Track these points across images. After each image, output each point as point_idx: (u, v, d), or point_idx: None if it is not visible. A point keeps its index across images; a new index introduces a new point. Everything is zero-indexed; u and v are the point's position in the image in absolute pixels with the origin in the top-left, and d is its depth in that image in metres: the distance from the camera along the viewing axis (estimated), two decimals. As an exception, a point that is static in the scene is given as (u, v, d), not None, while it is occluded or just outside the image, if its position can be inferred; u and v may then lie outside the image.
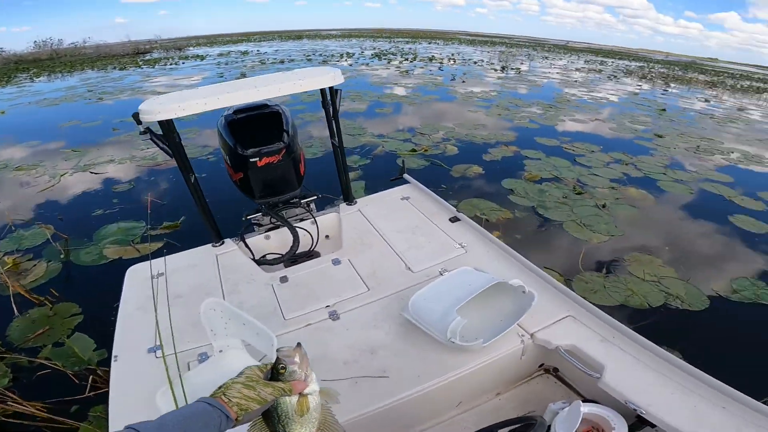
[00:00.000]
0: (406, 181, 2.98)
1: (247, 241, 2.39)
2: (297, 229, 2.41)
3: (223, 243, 2.35)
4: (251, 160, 2.27)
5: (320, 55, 22.66)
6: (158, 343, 1.60)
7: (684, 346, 2.78)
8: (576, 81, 16.87)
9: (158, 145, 2.10)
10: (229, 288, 2.03)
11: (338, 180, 2.74)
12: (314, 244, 2.50)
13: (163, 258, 2.22)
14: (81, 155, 6.79)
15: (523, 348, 1.64)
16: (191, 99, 1.94)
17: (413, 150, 6.46)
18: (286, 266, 2.25)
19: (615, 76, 20.35)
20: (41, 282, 3.53)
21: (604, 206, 4.77)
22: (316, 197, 2.72)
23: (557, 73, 19.94)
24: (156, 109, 1.87)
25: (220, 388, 0.69)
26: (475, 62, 22.02)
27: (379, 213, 2.58)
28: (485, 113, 9.29)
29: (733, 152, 7.59)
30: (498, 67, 19.94)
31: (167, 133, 2.04)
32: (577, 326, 1.69)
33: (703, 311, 3.22)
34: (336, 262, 2.17)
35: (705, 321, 3.15)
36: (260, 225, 2.61)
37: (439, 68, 17.96)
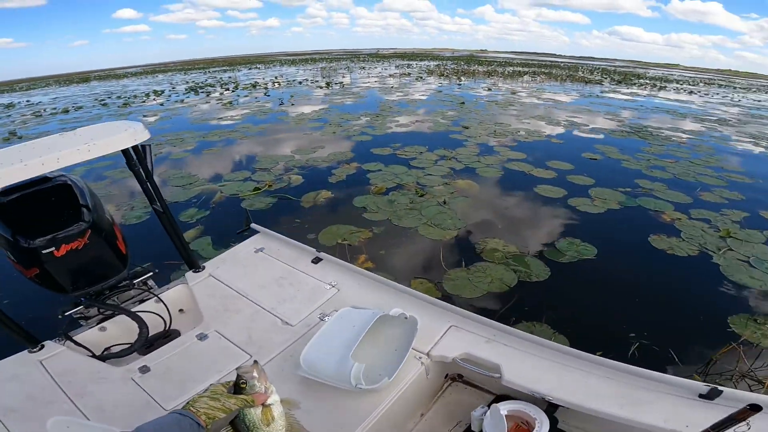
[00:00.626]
0: (255, 231, 2.77)
1: (76, 338, 1.97)
2: (139, 313, 2.05)
3: (42, 347, 1.88)
4: (44, 251, 1.82)
5: (119, 97, 19.51)
6: None
7: (547, 316, 3.22)
8: (393, 87, 18.75)
9: None
10: (76, 392, 1.65)
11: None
12: (168, 323, 2.15)
13: None
14: None
15: (425, 368, 1.68)
16: None
17: (256, 188, 6.05)
18: (141, 354, 1.92)
19: (421, 77, 23.43)
20: None
21: (444, 203, 5.33)
22: (151, 273, 2.31)
23: (376, 81, 21.82)
24: None
25: (188, 402, 0.78)
26: (300, 82, 22.32)
27: (235, 273, 2.35)
28: (321, 134, 9.42)
29: (519, 131, 9.53)
30: (323, 84, 20.66)
31: None
32: (461, 334, 1.79)
33: (549, 279, 3.80)
34: (202, 336, 1.91)
35: (553, 288, 3.68)
36: (87, 318, 2.15)
37: (265, 94, 17.56)
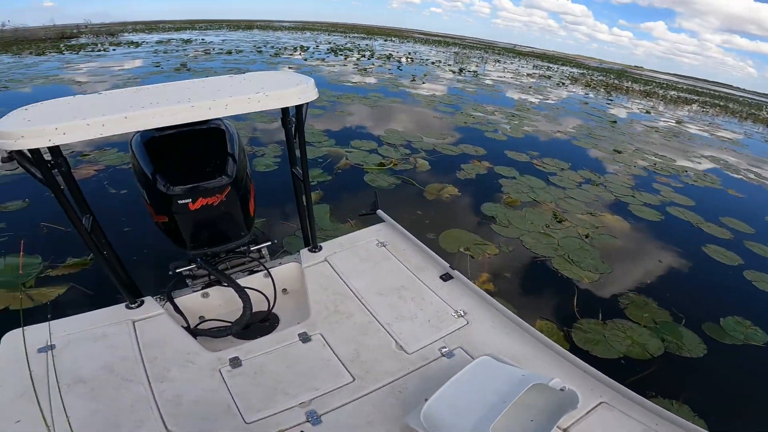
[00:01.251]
0: (380, 219, 2.49)
1: (177, 300, 1.85)
2: (247, 289, 1.89)
3: (142, 303, 1.77)
4: (180, 201, 1.69)
5: (272, 47, 21.24)
6: None
7: (689, 396, 2.68)
8: (530, 87, 17.24)
9: (35, 176, 1.42)
10: (157, 373, 1.48)
11: (297, 211, 2.27)
12: (271, 305, 1.97)
13: (46, 323, 1.58)
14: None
15: None
16: (81, 117, 1.30)
17: (381, 164, 5.89)
18: (235, 336, 1.79)
19: (562, 83, 21.20)
20: None
21: (587, 237, 4.54)
22: (269, 243, 2.17)
23: (511, 77, 20.34)
24: (18, 132, 1.22)
25: None
26: (433, 62, 21.87)
27: (353, 265, 2.10)
28: (452, 120, 8.95)
29: (686, 171, 7.88)
30: (455, 69, 19.93)
31: (42, 164, 1.39)
32: (614, 415, 1.42)
33: (704, 357, 3.08)
34: (305, 338, 1.69)
35: (705, 368, 3.02)
36: (194, 277, 2.03)
37: (398, 68, 17.51)
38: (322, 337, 1.70)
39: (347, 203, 4.64)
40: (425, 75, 16.01)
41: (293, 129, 1.91)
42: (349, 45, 26.78)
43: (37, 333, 1.54)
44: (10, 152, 1.29)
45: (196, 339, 1.69)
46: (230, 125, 1.98)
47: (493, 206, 4.97)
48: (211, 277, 1.97)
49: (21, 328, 1.45)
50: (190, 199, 1.69)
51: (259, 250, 2.14)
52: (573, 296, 3.55)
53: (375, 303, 1.86)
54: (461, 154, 6.73)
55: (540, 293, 3.60)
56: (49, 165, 1.41)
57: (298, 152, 1.98)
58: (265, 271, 2.01)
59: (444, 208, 4.84)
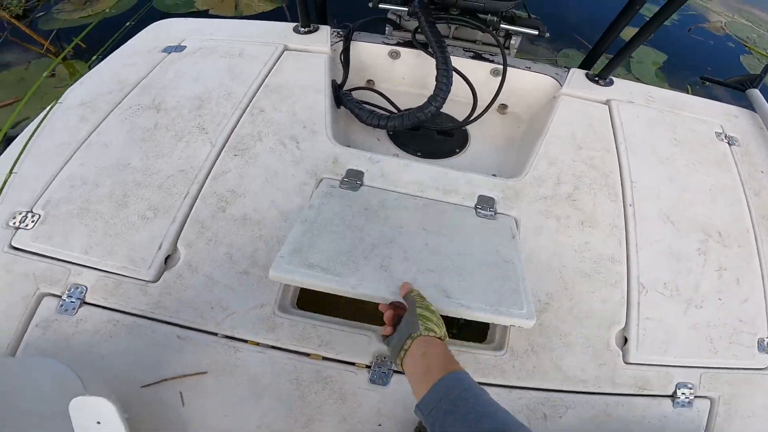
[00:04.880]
0: (746, 105, 1.45)
1: (355, 45, 1.39)
2: (456, 74, 1.26)
3: (313, 31, 1.37)
4: None
5: None
6: None
7: None
8: None
9: None
10: (255, 117, 1.12)
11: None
12: (471, 116, 1.30)
13: (197, 20, 1.45)
14: None
15: None
16: None
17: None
18: (389, 133, 1.33)
19: None
20: (88, 21, 2.65)
21: None
22: (536, 32, 1.38)
23: None
24: None
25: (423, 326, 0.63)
26: None
27: (652, 139, 1.19)
28: None
29: None
30: None
31: None
32: None
33: None
34: (484, 207, 0.99)
35: None
36: (397, 27, 1.53)
37: None
38: (516, 224, 0.97)
39: (693, 63, 3.15)
40: None
41: None
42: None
43: (183, 26, 1.38)
44: None
45: (338, 108, 1.28)
46: None
47: None
48: (418, 35, 1.38)
49: (183, 20, 1.41)
50: None
51: (509, 35, 1.44)
52: None
53: (647, 226, 1.01)
54: None
55: None
56: None
57: None
58: (500, 66, 1.31)
59: None
